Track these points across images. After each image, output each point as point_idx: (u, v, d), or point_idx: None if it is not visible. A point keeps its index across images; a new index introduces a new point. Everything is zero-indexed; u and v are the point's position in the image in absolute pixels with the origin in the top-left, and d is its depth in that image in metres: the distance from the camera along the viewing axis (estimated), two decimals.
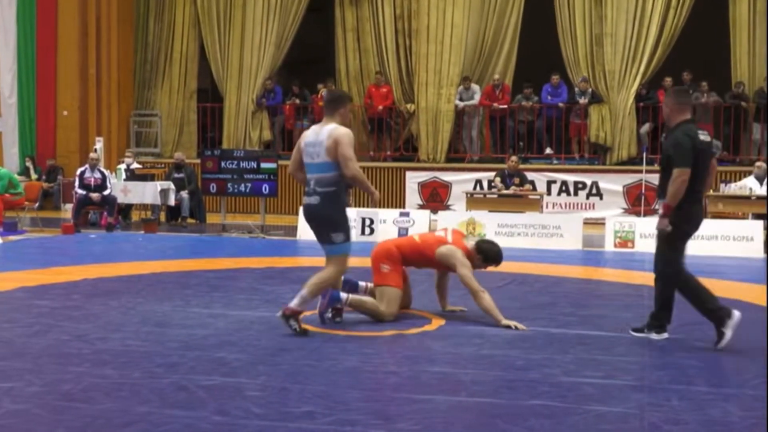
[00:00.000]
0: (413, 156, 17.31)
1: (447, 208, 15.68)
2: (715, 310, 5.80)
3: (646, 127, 16.25)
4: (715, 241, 11.61)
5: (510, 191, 13.28)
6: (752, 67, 15.99)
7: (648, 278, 9.16)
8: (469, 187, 15.34)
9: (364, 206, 15.23)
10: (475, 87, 16.87)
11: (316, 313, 6.36)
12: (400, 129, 17.69)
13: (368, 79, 17.68)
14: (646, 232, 11.95)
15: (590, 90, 16.25)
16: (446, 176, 16.25)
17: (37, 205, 14.71)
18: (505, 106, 16.57)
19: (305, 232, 10.61)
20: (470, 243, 6.81)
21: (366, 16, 17.74)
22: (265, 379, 4.77)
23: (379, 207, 15.19)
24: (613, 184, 15.47)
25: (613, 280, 9.27)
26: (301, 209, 6.88)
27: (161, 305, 7.01)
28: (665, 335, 6.01)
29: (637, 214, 14.34)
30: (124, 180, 14.44)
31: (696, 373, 5.03)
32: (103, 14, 17.95)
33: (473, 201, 13.55)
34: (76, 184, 13.83)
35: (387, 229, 12.60)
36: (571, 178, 15.78)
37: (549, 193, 15.32)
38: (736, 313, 5.75)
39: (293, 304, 5.91)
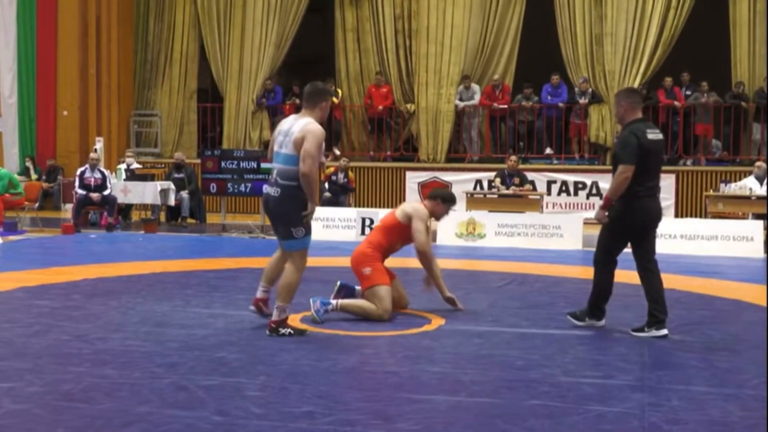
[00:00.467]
0: (413, 156, 17.31)
1: None
2: (597, 308, 6.34)
3: None
4: (715, 241, 11.61)
5: (510, 191, 13.29)
6: (752, 67, 15.99)
7: None
8: (469, 187, 15.33)
9: (363, 206, 15.26)
10: (475, 87, 16.87)
11: (311, 312, 6.35)
12: (400, 129, 17.69)
13: (368, 79, 17.67)
14: None
15: (590, 90, 16.25)
16: (446, 176, 16.25)
17: (37, 205, 14.71)
18: (505, 106, 16.57)
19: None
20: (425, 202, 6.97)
21: (366, 17, 17.74)
22: (264, 379, 4.77)
23: (380, 207, 15.20)
24: None
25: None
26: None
27: (161, 305, 7.01)
28: (665, 331, 6.07)
29: None
30: (124, 180, 14.44)
31: (696, 373, 5.03)
32: (103, 14, 17.95)
33: (473, 201, 13.55)
34: (76, 184, 13.83)
35: None
36: (571, 178, 15.78)
37: (549, 193, 15.32)
38: (602, 323, 6.33)
39: (274, 316, 5.87)
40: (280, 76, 19.06)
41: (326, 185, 14.76)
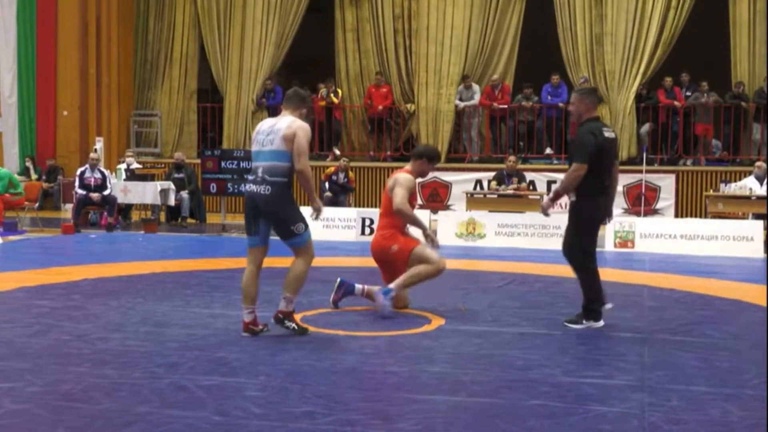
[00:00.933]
0: None
1: (447, 208, 15.66)
2: (595, 310, 6.26)
3: (646, 127, 16.26)
4: (715, 241, 11.61)
5: (510, 191, 13.29)
6: (752, 67, 15.99)
7: (648, 278, 9.21)
8: (469, 187, 15.33)
9: (363, 206, 15.25)
10: (475, 87, 16.87)
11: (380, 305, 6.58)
12: (400, 129, 17.70)
13: (368, 79, 17.67)
14: (646, 232, 11.96)
15: None
16: (446, 176, 16.24)
17: (37, 205, 14.72)
18: (505, 106, 16.57)
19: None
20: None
21: (366, 17, 17.75)
22: (264, 379, 4.77)
23: (379, 207, 15.21)
24: None
25: (613, 280, 9.25)
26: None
27: (161, 305, 7.01)
28: (601, 323, 6.26)
29: (637, 214, 14.34)
30: (124, 180, 14.44)
31: (696, 373, 5.03)
32: (103, 14, 17.94)
33: (473, 201, 13.55)
34: (76, 184, 13.82)
35: None
36: None
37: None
38: (602, 322, 6.25)
39: (281, 306, 5.88)
40: (280, 76, 19.06)
41: (326, 185, 14.76)
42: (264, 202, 5.76)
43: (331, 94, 17.04)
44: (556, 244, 12.07)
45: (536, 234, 12.15)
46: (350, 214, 13.17)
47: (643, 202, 14.60)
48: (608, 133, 6.28)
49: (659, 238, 11.87)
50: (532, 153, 16.69)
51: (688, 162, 15.91)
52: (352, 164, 15.77)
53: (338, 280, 6.97)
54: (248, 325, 5.87)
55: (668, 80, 16.11)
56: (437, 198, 16.14)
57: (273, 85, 17.99)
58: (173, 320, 6.39)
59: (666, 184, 15.30)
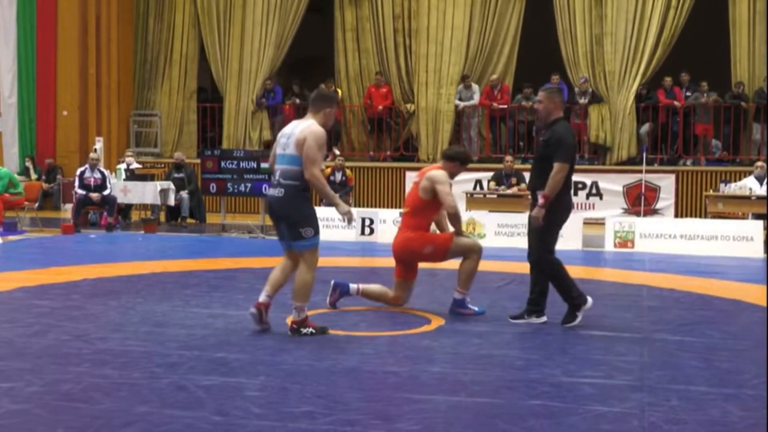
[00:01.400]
0: (413, 156, 17.30)
1: None
2: (576, 297, 6.33)
3: (646, 127, 16.26)
4: (715, 241, 11.61)
5: (510, 191, 13.29)
6: (752, 67, 15.99)
7: (648, 278, 9.21)
8: (469, 187, 15.32)
9: (363, 206, 15.25)
10: (475, 87, 16.87)
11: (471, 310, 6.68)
12: (400, 129, 17.69)
13: (368, 79, 17.67)
14: (646, 232, 11.96)
15: (590, 90, 16.25)
16: None
17: (36, 205, 14.71)
18: (505, 106, 16.57)
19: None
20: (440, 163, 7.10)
21: (366, 16, 17.74)
22: (264, 379, 4.77)
23: (380, 207, 15.21)
24: (612, 184, 15.46)
25: (613, 280, 9.26)
26: None
27: (161, 305, 7.01)
28: (544, 318, 6.40)
29: (637, 214, 14.34)
30: (124, 180, 14.44)
31: (696, 373, 5.03)
32: (103, 14, 17.94)
33: (473, 201, 13.55)
34: (76, 184, 13.82)
35: (387, 229, 12.57)
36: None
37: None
38: (590, 300, 6.37)
39: (294, 317, 5.93)
40: (280, 76, 19.05)
41: None
42: (277, 204, 5.89)
43: None
44: (557, 244, 12.11)
45: (529, 231, 12.11)
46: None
47: (642, 202, 14.60)
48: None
49: (659, 238, 11.87)
50: (531, 153, 16.67)
51: (688, 162, 15.91)
52: (352, 164, 15.77)
53: (332, 282, 6.97)
54: (260, 306, 5.98)
55: (668, 80, 16.11)
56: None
57: (273, 85, 17.98)
58: (173, 320, 6.39)
59: (666, 184, 15.30)
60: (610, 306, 7.39)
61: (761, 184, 12.96)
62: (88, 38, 17.74)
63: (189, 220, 14.90)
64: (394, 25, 17.47)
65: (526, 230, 12.98)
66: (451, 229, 6.94)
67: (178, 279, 8.54)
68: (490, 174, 14.61)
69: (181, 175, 14.92)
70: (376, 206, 15.54)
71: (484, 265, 10.16)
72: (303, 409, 4.21)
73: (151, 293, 7.59)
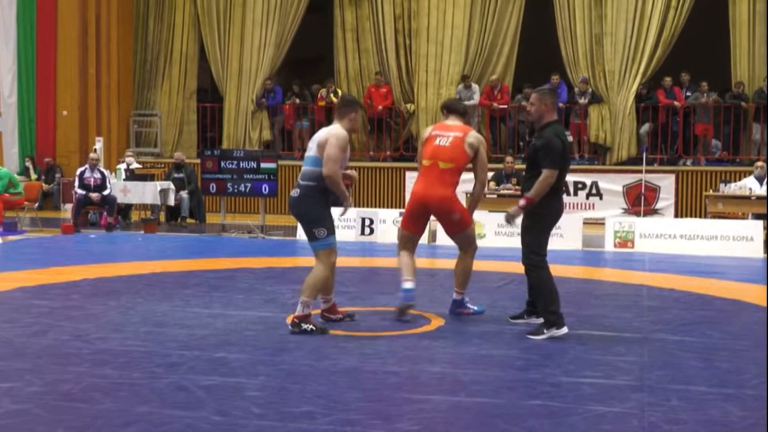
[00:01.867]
0: (413, 156, 17.27)
1: None
2: (553, 314, 5.98)
3: (646, 127, 16.26)
4: (715, 241, 11.61)
5: (510, 191, 13.28)
6: (752, 67, 15.99)
7: (648, 278, 9.21)
8: (469, 187, 15.20)
9: (363, 206, 15.25)
10: (475, 86, 16.86)
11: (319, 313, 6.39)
12: (400, 129, 17.69)
13: (368, 79, 17.67)
14: (646, 232, 11.96)
15: (590, 90, 16.25)
16: None
17: (36, 205, 14.71)
18: (505, 106, 16.57)
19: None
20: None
21: (366, 16, 17.74)
22: (264, 379, 4.77)
23: (380, 207, 15.20)
24: (612, 184, 15.46)
25: (613, 280, 9.26)
26: None
27: (161, 305, 7.01)
28: (565, 329, 6.09)
29: (637, 214, 14.34)
30: (124, 180, 14.44)
31: (696, 373, 5.03)
32: (103, 14, 17.94)
33: None
34: (76, 184, 13.82)
35: (387, 230, 12.58)
36: (570, 178, 15.72)
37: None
38: (565, 329, 5.93)
39: (297, 311, 5.99)
40: (280, 76, 19.05)
41: None
42: (293, 204, 6.11)
43: (331, 94, 17.04)
44: (557, 244, 12.11)
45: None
46: (350, 214, 13.09)
47: (642, 202, 14.60)
48: (569, 137, 6.32)
49: (659, 238, 11.87)
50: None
51: (688, 162, 15.91)
52: (352, 164, 15.69)
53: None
54: (322, 312, 6.32)
55: (668, 80, 16.11)
56: None
57: (273, 85, 17.98)
58: (173, 320, 6.39)
59: (666, 184, 15.30)
60: (610, 306, 7.39)
61: (761, 184, 12.96)
62: (88, 38, 17.74)
63: (189, 220, 14.89)
64: (395, 25, 17.47)
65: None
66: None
67: (178, 279, 8.53)
68: (491, 174, 14.60)
69: (181, 175, 14.92)
70: (376, 206, 15.54)
71: (484, 265, 10.20)
72: (303, 409, 4.20)
73: (151, 293, 7.59)
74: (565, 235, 12.08)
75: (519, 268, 9.65)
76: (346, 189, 6.11)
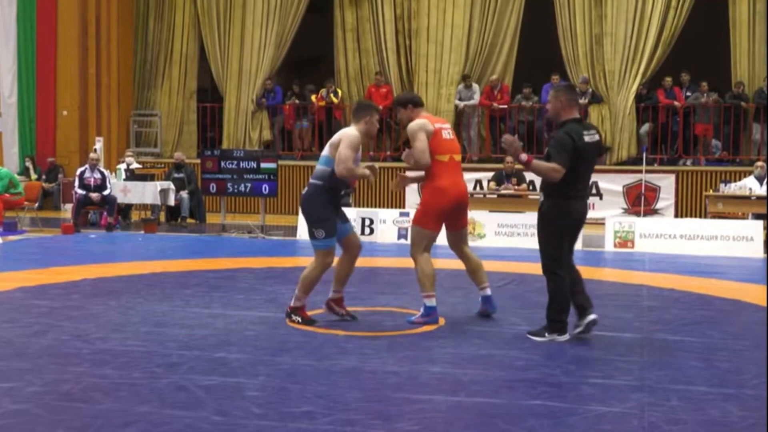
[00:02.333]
0: None
1: None
2: (558, 322, 5.86)
3: (645, 127, 16.26)
4: (715, 241, 11.62)
5: (510, 191, 13.29)
6: (752, 67, 15.99)
7: (648, 278, 9.21)
8: (469, 187, 15.32)
9: (364, 206, 15.25)
10: (475, 86, 16.86)
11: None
12: (400, 129, 17.67)
13: (368, 79, 17.66)
14: (646, 232, 11.96)
15: (590, 90, 16.25)
16: None
17: (36, 205, 14.71)
18: (505, 106, 16.57)
19: (306, 232, 10.64)
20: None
21: (366, 17, 17.74)
22: (264, 379, 4.77)
23: (380, 207, 15.21)
24: (612, 184, 15.45)
25: (613, 280, 9.26)
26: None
27: (161, 305, 7.01)
28: (567, 336, 5.90)
29: (637, 214, 14.34)
30: (124, 180, 14.44)
31: (695, 373, 5.03)
32: (103, 14, 17.93)
33: (473, 201, 13.47)
34: (76, 184, 13.82)
35: (387, 229, 12.59)
36: None
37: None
38: (567, 336, 5.84)
39: (292, 302, 6.30)
40: (280, 76, 19.05)
41: None
42: (302, 201, 6.35)
43: (331, 94, 17.05)
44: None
45: (536, 234, 12.13)
46: (350, 213, 13.12)
47: (642, 202, 14.59)
48: (589, 137, 5.88)
49: (659, 238, 11.88)
50: (531, 153, 16.64)
51: (688, 162, 15.91)
52: None
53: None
54: (329, 302, 6.46)
55: (668, 80, 16.10)
56: None
57: (273, 85, 17.98)
58: (173, 320, 6.39)
59: (666, 184, 15.30)
60: (610, 306, 7.39)
61: (761, 184, 12.97)
62: (88, 38, 17.74)
63: (189, 220, 14.90)
64: (395, 25, 17.47)
65: (526, 230, 13.03)
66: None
67: (178, 279, 8.54)
68: (491, 174, 14.62)
69: (181, 175, 14.92)
70: (376, 206, 15.53)
71: (484, 265, 10.18)
72: (303, 409, 4.21)
73: (151, 293, 7.59)
74: None
75: (519, 268, 9.71)
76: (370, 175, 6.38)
